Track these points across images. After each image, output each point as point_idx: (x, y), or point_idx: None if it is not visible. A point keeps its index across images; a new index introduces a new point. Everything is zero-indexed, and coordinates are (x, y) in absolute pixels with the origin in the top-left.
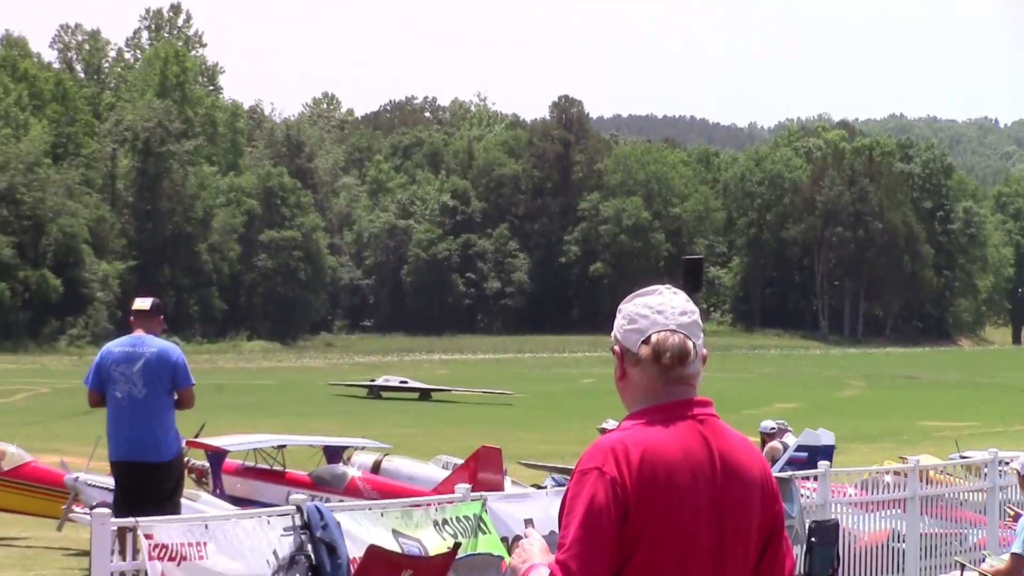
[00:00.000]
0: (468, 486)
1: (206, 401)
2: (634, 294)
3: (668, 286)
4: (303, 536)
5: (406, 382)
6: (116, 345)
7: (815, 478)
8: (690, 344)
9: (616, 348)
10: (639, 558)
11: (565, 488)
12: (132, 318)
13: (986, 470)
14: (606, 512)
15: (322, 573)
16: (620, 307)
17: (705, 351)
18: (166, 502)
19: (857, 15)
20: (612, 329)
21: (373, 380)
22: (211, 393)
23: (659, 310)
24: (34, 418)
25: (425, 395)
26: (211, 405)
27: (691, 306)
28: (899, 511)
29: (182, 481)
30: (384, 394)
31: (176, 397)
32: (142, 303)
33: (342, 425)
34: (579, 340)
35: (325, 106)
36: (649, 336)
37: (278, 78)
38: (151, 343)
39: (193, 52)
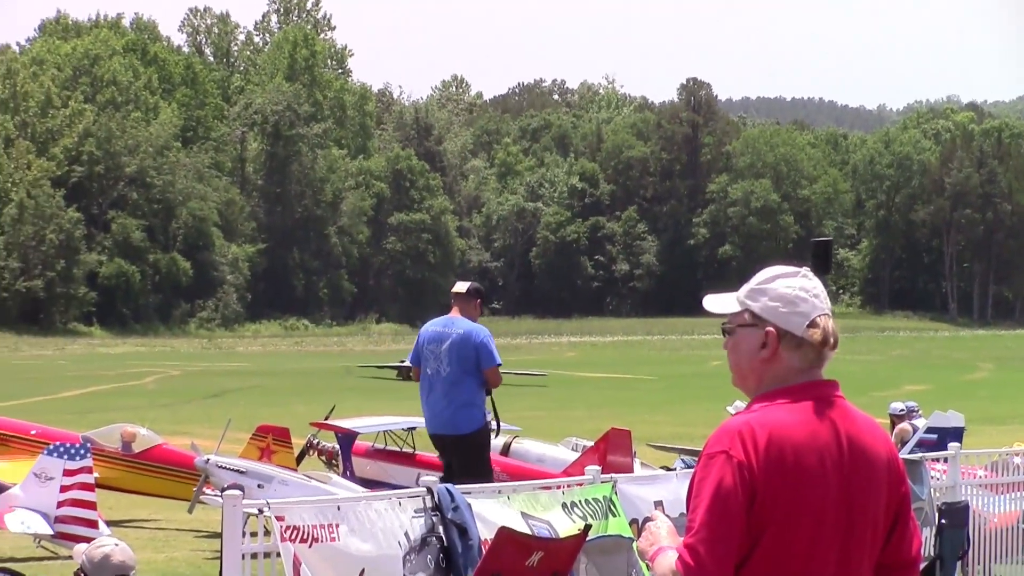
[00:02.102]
0: (598, 468)
1: (335, 384)
2: (772, 275)
3: (806, 268)
4: (434, 518)
5: None
6: (431, 325)
7: (945, 460)
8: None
9: (771, 329)
10: (767, 541)
11: (693, 471)
12: (452, 300)
13: None
14: (733, 496)
15: (453, 555)
16: (761, 287)
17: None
18: (472, 470)
19: None
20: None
21: (403, 361)
22: (339, 375)
23: (815, 294)
24: (164, 401)
25: None
26: (340, 387)
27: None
28: None
29: (485, 451)
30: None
31: (485, 376)
32: (460, 286)
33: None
34: (707, 322)
35: (454, 89)
36: (815, 319)
37: (407, 61)
38: (460, 324)
39: (322, 35)
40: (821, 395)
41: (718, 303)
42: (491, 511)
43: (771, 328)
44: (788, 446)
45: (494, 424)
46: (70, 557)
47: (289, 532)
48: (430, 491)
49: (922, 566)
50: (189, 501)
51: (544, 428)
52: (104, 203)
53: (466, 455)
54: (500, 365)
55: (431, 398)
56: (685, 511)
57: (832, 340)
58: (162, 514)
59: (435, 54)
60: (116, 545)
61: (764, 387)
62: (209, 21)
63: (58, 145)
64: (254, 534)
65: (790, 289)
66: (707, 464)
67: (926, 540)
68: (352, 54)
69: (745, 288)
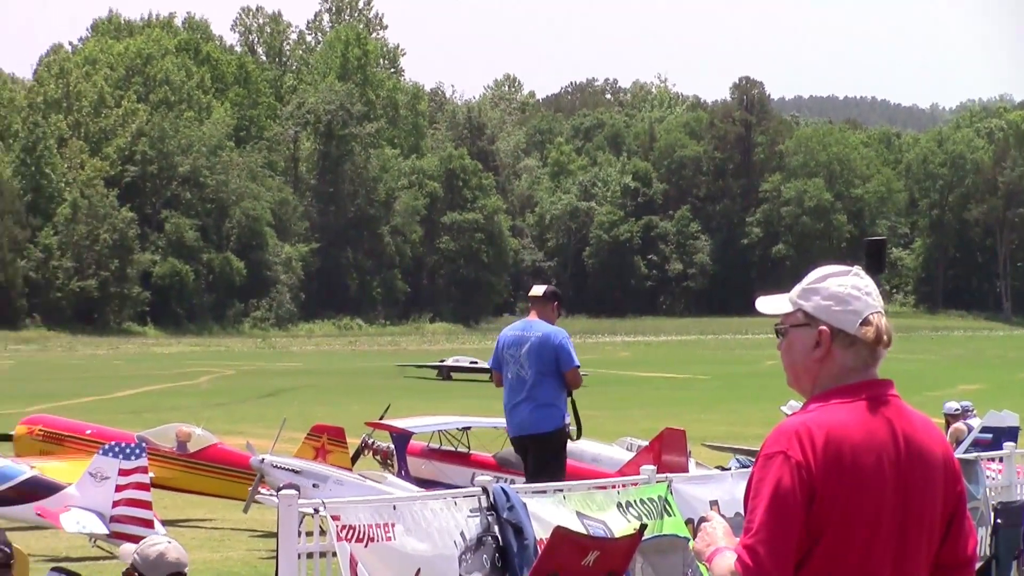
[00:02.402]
0: (653, 468)
1: (390, 383)
2: (824, 274)
3: (858, 267)
4: (490, 517)
5: (476, 362)
6: (510, 329)
7: (1000, 459)
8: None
9: (824, 328)
10: (825, 541)
11: (750, 471)
12: (529, 304)
13: None
14: (792, 496)
15: (509, 554)
16: (813, 287)
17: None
18: (547, 469)
19: None
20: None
21: (443, 361)
22: (394, 375)
23: (867, 292)
24: (218, 400)
25: None
26: (395, 387)
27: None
28: None
29: (562, 452)
30: (454, 375)
31: (565, 378)
32: (536, 290)
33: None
34: (761, 322)
35: (507, 88)
36: (867, 317)
37: (459, 60)
38: (538, 328)
39: (374, 35)
40: (877, 394)
41: (770, 304)
42: (547, 511)
43: (824, 327)
44: (846, 446)
45: (574, 427)
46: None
47: (345, 532)
48: (485, 491)
49: (978, 566)
50: (244, 501)
51: (599, 428)
52: (158, 203)
53: (543, 454)
54: (579, 367)
55: (513, 401)
56: (741, 511)
57: (886, 337)
58: (217, 514)
59: (488, 53)
60: (169, 543)
61: (819, 387)
62: (261, 20)
63: (111, 145)
64: (310, 534)
65: (842, 287)
66: (765, 465)
67: (981, 540)
68: (404, 53)
69: (797, 288)
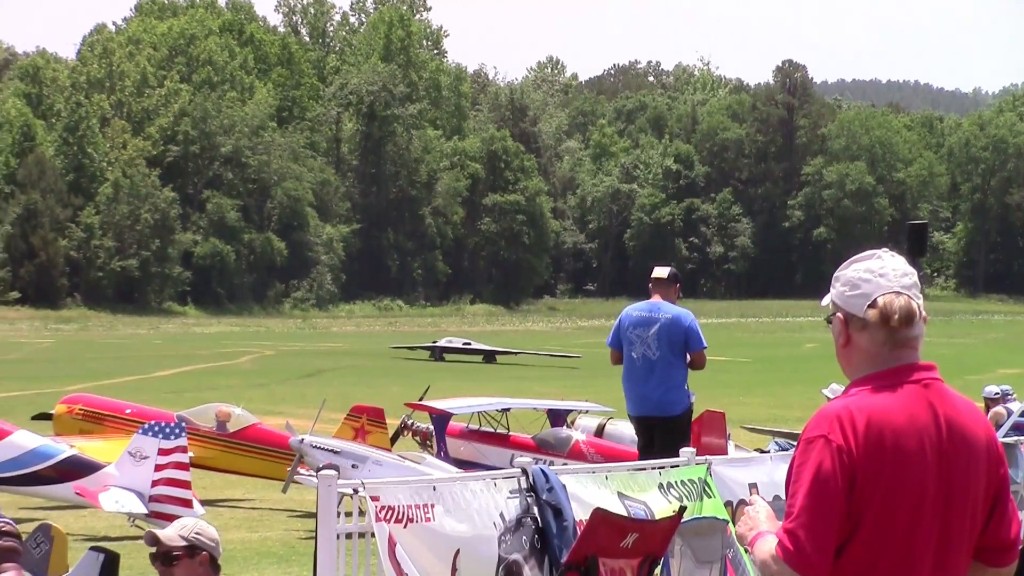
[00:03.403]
0: (693, 450)
1: (429, 364)
2: (850, 260)
3: (885, 250)
4: (529, 499)
5: (469, 343)
6: (634, 309)
7: None
8: (915, 305)
9: (839, 315)
10: (867, 525)
11: (790, 455)
12: (650, 285)
13: None
14: (833, 480)
15: (548, 535)
16: (837, 275)
17: (926, 314)
18: (677, 449)
19: None
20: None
21: (436, 342)
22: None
23: (881, 273)
24: (259, 381)
25: (489, 357)
26: (434, 368)
27: (911, 268)
28: None
29: (688, 431)
30: (447, 356)
31: (689, 359)
32: (660, 271)
33: (565, 388)
34: (802, 305)
35: (549, 70)
36: (875, 299)
37: (502, 42)
38: (666, 309)
39: (417, 16)
40: (919, 378)
41: (826, 298)
42: (587, 492)
43: (840, 314)
44: (887, 429)
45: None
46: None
47: (384, 512)
48: (525, 472)
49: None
50: (283, 481)
51: None
52: (199, 183)
53: (672, 435)
54: (706, 348)
55: (639, 381)
56: (779, 494)
57: (896, 317)
58: (256, 494)
59: (530, 35)
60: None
61: (855, 372)
62: (305, 1)
63: (154, 125)
64: (348, 514)
65: (856, 272)
66: (806, 449)
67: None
68: (447, 35)
69: (834, 280)
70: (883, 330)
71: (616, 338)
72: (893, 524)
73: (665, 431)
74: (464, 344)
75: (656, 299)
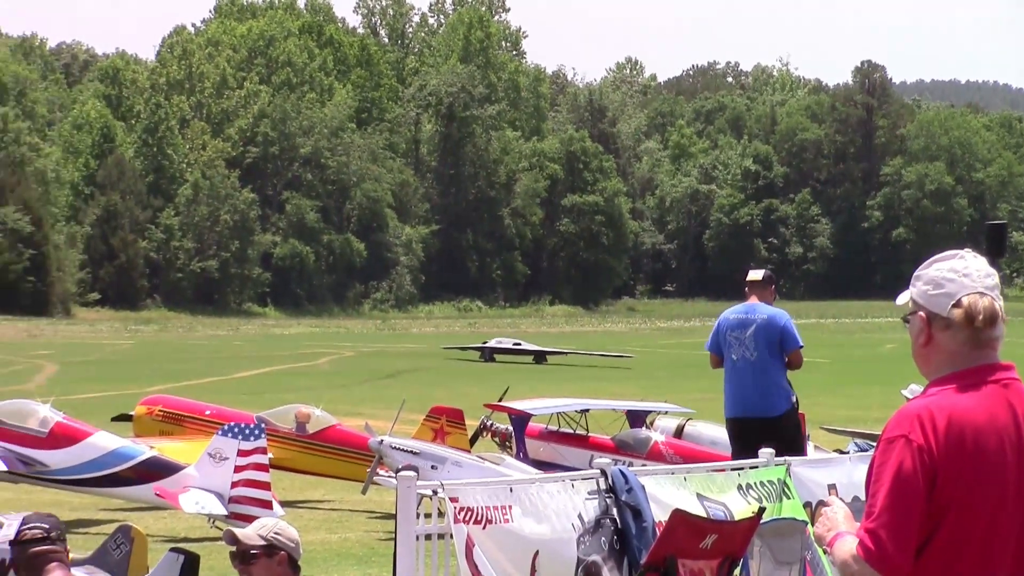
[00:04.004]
0: (772, 451)
1: (508, 365)
2: (931, 260)
3: (967, 250)
4: (608, 500)
5: (519, 344)
6: (732, 312)
7: None
8: (998, 306)
9: (921, 314)
10: (947, 524)
11: (870, 455)
12: (746, 288)
13: None
14: (913, 480)
15: (627, 537)
16: (918, 274)
17: (1006, 315)
18: (791, 448)
19: None
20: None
21: (486, 343)
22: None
23: (965, 273)
24: (338, 382)
25: (540, 358)
26: (512, 369)
27: (992, 268)
28: None
29: (798, 432)
30: (497, 357)
31: (786, 359)
32: (755, 274)
33: (644, 389)
34: (881, 305)
35: (628, 71)
36: (960, 299)
37: (581, 43)
38: (762, 311)
39: (496, 17)
40: (998, 378)
41: (901, 296)
42: (666, 493)
43: (922, 312)
44: (967, 429)
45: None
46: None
47: (463, 513)
48: (604, 473)
49: None
50: (363, 482)
51: (718, 411)
52: (279, 184)
53: (780, 436)
54: (802, 347)
55: (739, 383)
56: (859, 495)
57: (980, 318)
58: (336, 495)
59: (609, 36)
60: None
61: (935, 372)
62: (384, 3)
63: (233, 126)
64: (428, 515)
65: (939, 272)
66: (886, 449)
67: None
68: (526, 36)
69: (913, 280)
70: (966, 330)
71: (715, 342)
72: (973, 523)
73: (770, 432)
74: (514, 344)
75: (752, 301)
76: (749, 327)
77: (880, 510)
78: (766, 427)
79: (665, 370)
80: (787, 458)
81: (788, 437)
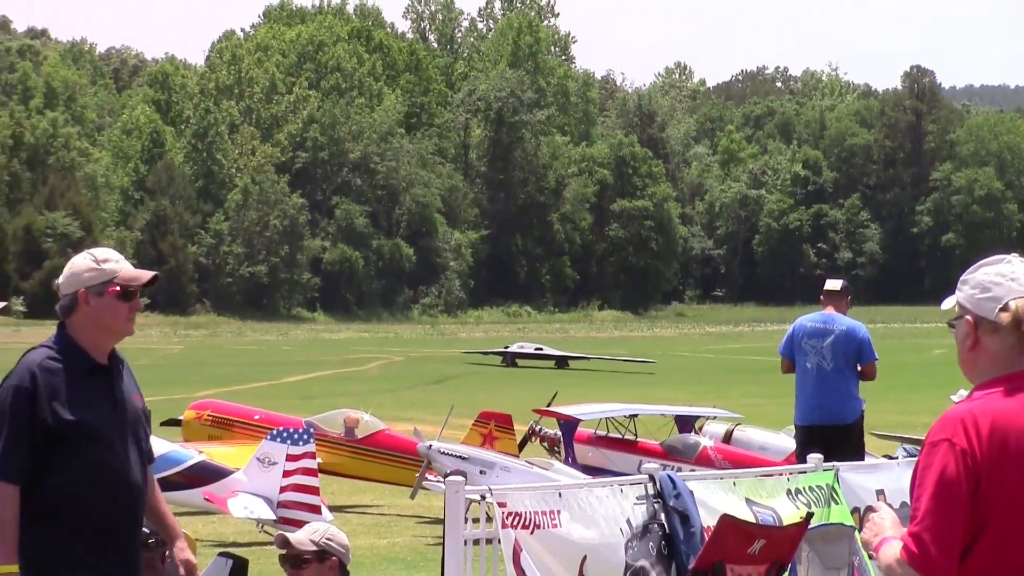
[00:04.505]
0: (820, 456)
1: (556, 370)
2: (978, 264)
3: (1015, 254)
4: (656, 505)
5: (541, 349)
6: (808, 320)
7: None
8: None
9: (968, 318)
10: (991, 529)
11: (916, 459)
12: (822, 297)
13: None
14: (957, 484)
15: (675, 542)
16: (964, 278)
17: None
18: (856, 455)
19: None
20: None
21: (507, 347)
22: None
23: (1012, 277)
24: (387, 386)
25: (561, 363)
26: (562, 374)
27: None
28: None
29: (862, 440)
30: (519, 362)
31: (860, 370)
32: (832, 284)
33: (694, 395)
34: (930, 311)
35: (677, 76)
36: (1007, 303)
37: (630, 48)
38: (840, 321)
39: (545, 22)
40: None
41: (947, 301)
42: (714, 498)
43: (969, 316)
44: (1012, 433)
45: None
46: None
47: (511, 518)
48: (652, 478)
49: None
50: (411, 487)
51: (767, 416)
52: (328, 189)
53: (849, 442)
54: (876, 360)
55: (813, 390)
56: (907, 500)
57: None
58: (384, 500)
59: (658, 41)
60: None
61: (980, 376)
62: (433, 7)
63: (282, 131)
64: (476, 520)
65: (987, 276)
66: (930, 452)
67: None
68: (575, 41)
69: (960, 284)
70: (1014, 334)
71: (788, 347)
72: (1017, 527)
73: (841, 440)
74: (536, 349)
75: (829, 311)
76: (827, 337)
77: (924, 514)
78: (837, 435)
79: (714, 375)
80: (835, 463)
81: (853, 446)
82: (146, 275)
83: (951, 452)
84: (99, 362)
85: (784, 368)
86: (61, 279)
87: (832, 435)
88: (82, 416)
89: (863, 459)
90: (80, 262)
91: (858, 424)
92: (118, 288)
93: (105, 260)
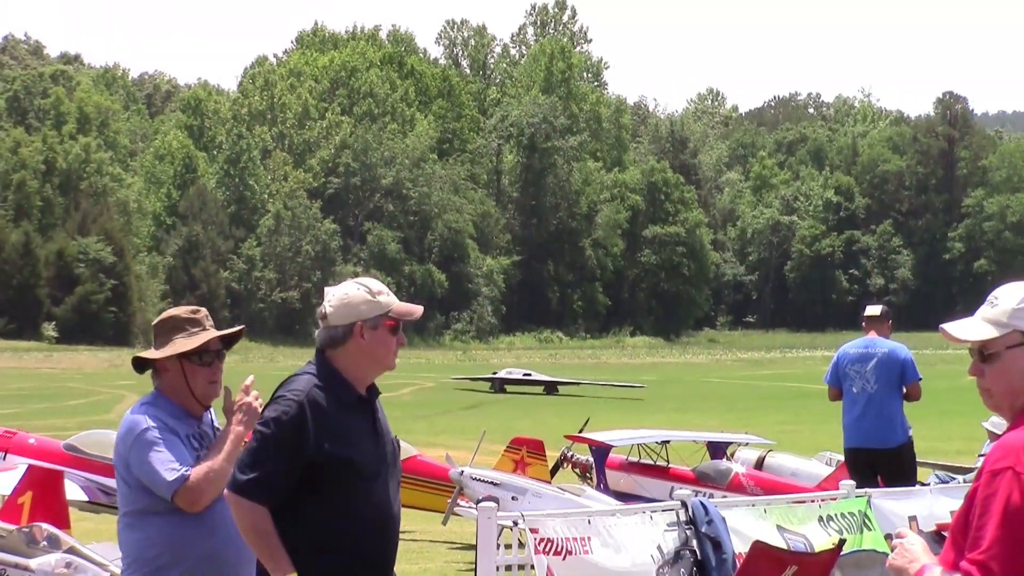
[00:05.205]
0: (852, 483)
1: (588, 396)
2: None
3: None
4: (688, 531)
5: (529, 374)
6: (852, 347)
7: None
8: None
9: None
10: None
11: (951, 487)
12: (863, 323)
13: None
14: (1022, 512)
15: (707, 568)
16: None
17: None
18: (907, 478)
19: None
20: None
21: (495, 373)
22: (588, 388)
23: None
24: (419, 412)
25: (550, 388)
26: (594, 400)
27: None
28: None
29: (913, 462)
30: (508, 387)
31: (904, 391)
32: (872, 309)
33: (726, 421)
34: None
35: (709, 102)
36: None
37: (663, 74)
38: (882, 344)
39: (578, 48)
40: None
41: (970, 329)
42: (746, 524)
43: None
44: None
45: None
46: None
47: (543, 544)
48: (684, 504)
49: None
50: (443, 513)
51: (798, 442)
52: (360, 215)
53: (899, 466)
54: (920, 380)
55: (859, 415)
56: (934, 527)
57: None
58: (416, 526)
59: (691, 67)
60: None
61: None
62: (466, 34)
63: (315, 156)
64: (508, 546)
65: None
66: (992, 480)
67: None
68: (608, 67)
69: (1007, 309)
70: None
71: (834, 375)
72: None
73: (890, 463)
74: (524, 375)
75: (871, 335)
76: (870, 360)
77: (991, 543)
78: (885, 458)
79: (745, 401)
80: (867, 490)
81: (905, 468)
82: (418, 310)
83: (1016, 481)
84: (361, 394)
85: (831, 396)
86: (331, 308)
87: (878, 458)
88: (350, 451)
89: (913, 484)
90: (355, 293)
91: (906, 448)
92: (393, 322)
93: (380, 292)
